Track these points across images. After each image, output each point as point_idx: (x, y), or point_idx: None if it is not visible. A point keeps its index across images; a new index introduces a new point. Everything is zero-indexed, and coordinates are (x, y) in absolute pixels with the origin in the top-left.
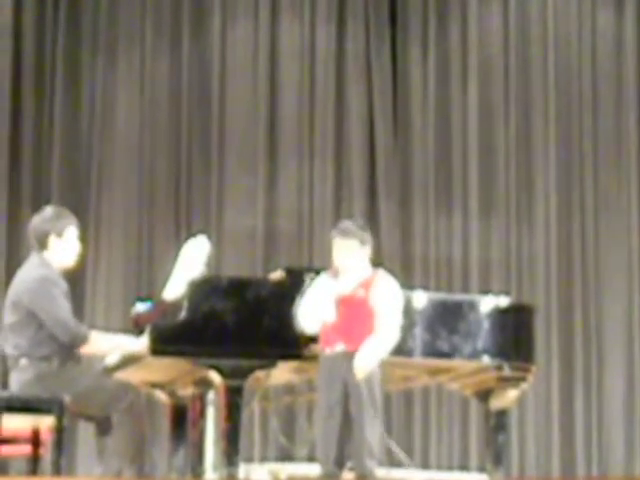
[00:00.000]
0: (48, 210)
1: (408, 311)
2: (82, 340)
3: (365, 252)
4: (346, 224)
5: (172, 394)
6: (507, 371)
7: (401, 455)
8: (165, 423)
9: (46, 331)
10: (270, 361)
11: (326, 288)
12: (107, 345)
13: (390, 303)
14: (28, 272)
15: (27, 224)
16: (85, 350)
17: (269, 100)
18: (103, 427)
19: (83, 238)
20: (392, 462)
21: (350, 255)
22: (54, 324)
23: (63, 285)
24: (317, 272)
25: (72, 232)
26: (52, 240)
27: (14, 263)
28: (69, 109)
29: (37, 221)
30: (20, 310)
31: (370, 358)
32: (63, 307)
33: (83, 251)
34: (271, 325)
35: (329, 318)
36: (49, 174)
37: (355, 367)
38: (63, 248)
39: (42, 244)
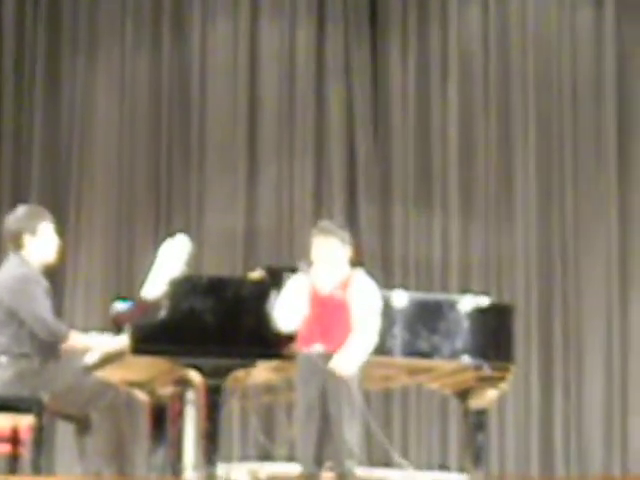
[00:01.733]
0: (20, 209)
1: (388, 311)
2: (62, 338)
3: (345, 252)
4: (327, 223)
5: (152, 393)
6: (486, 371)
7: (398, 458)
8: (144, 422)
9: (27, 329)
10: (250, 360)
11: (302, 287)
12: (85, 344)
13: (369, 304)
14: (8, 271)
15: None
16: (65, 346)
17: (249, 100)
18: (82, 426)
19: (62, 238)
20: (372, 461)
21: (330, 254)
22: (34, 322)
23: (43, 283)
24: (296, 271)
25: (46, 228)
26: (27, 239)
27: None
28: (49, 109)
29: (10, 221)
30: (0, 309)
31: (350, 362)
32: (43, 305)
33: (62, 250)
34: (251, 324)
35: (305, 316)
36: (29, 173)
37: (335, 367)
38: (39, 246)
39: (17, 244)
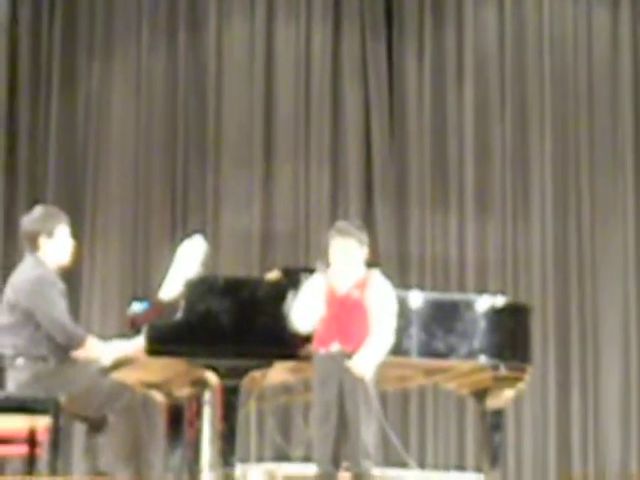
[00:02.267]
0: (37, 210)
1: (404, 311)
2: (78, 342)
3: (362, 252)
4: (344, 224)
5: (168, 394)
6: (503, 371)
7: (405, 457)
8: (161, 423)
9: (43, 331)
10: (266, 361)
11: (319, 288)
12: (103, 350)
13: (386, 305)
14: (24, 273)
15: None
16: (81, 354)
17: (265, 100)
18: (95, 426)
19: (78, 239)
20: (388, 462)
21: (348, 255)
22: (50, 324)
23: (60, 285)
24: (313, 272)
25: (62, 230)
26: (43, 241)
27: (10, 264)
28: (65, 110)
29: (26, 222)
30: (17, 311)
31: (367, 363)
32: (60, 308)
33: (79, 251)
34: (267, 325)
35: (322, 316)
36: (45, 174)
37: (352, 368)
38: (55, 247)
39: (33, 245)
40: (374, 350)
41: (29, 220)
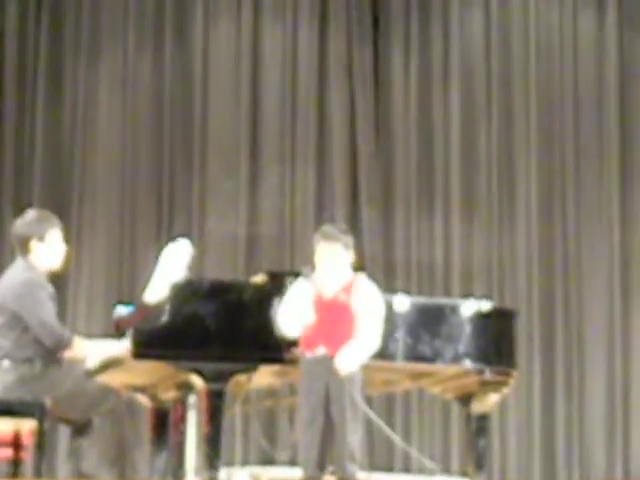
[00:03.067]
0: (30, 214)
1: (390, 315)
2: (66, 344)
3: (348, 256)
4: (330, 228)
5: (154, 397)
6: (488, 375)
7: (426, 462)
8: (146, 426)
9: (31, 334)
10: (252, 365)
11: (305, 292)
12: (89, 350)
13: (372, 309)
14: (14, 276)
15: (9, 227)
16: (67, 354)
17: (251, 102)
18: (80, 429)
19: (64, 241)
20: (373, 466)
21: (334, 259)
22: (39, 327)
23: (49, 288)
24: (298, 276)
25: (54, 235)
26: (34, 244)
27: None
28: (51, 111)
29: (19, 225)
30: (5, 313)
31: (351, 359)
32: (48, 311)
33: (68, 256)
34: (253, 328)
35: (309, 321)
36: (31, 176)
37: (336, 366)
38: (46, 252)
39: (25, 248)
40: (358, 349)
41: (21, 223)
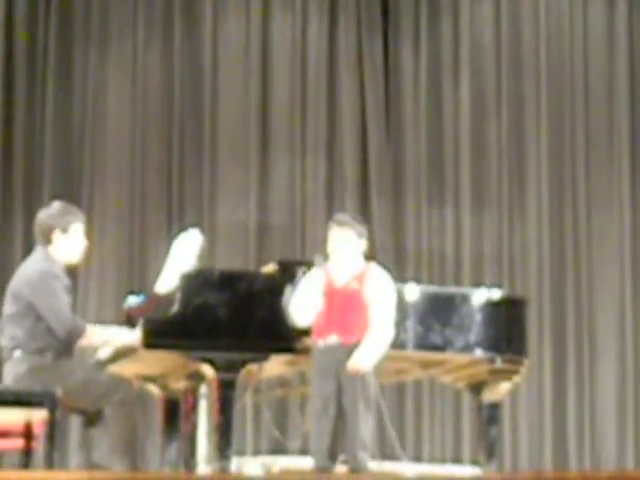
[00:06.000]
0: (55, 205)
1: (401, 304)
2: (79, 334)
3: (361, 245)
4: (343, 216)
5: (164, 387)
6: (499, 364)
7: (397, 448)
8: (157, 416)
9: (44, 324)
10: (263, 354)
11: (318, 281)
12: (101, 338)
13: (385, 298)
14: (31, 265)
15: (19, 218)
16: (81, 343)
17: (261, 94)
18: (91, 418)
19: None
20: (385, 455)
21: (346, 246)
22: (52, 318)
23: (65, 280)
24: (309, 265)
25: (77, 229)
26: (56, 235)
27: (7, 257)
28: (61, 103)
29: (43, 215)
30: (20, 302)
31: (368, 358)
32: (62, 301)
33: (88, 251)
34: (263, 318)
35: (320, 310)
36: (41, 167)
37: (352, 364)
38: (67, 244)
39: (46, 239)
40: (375, 346)
41: (46, 213)
